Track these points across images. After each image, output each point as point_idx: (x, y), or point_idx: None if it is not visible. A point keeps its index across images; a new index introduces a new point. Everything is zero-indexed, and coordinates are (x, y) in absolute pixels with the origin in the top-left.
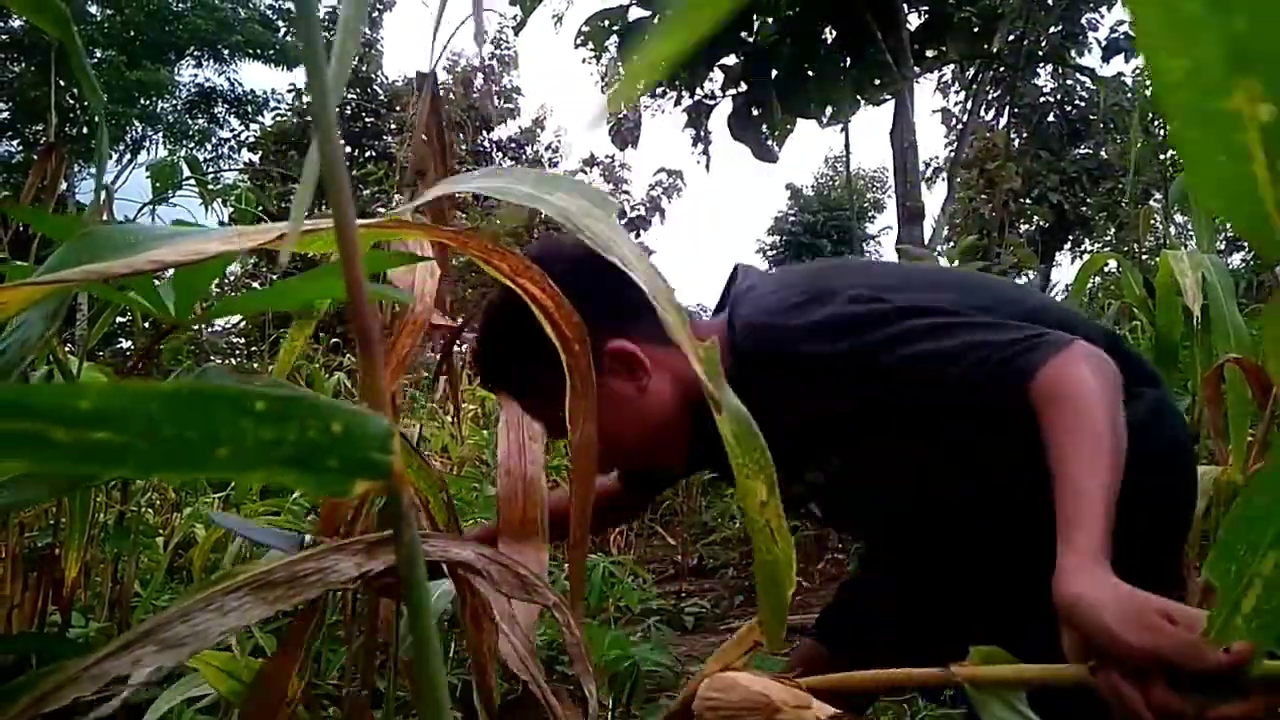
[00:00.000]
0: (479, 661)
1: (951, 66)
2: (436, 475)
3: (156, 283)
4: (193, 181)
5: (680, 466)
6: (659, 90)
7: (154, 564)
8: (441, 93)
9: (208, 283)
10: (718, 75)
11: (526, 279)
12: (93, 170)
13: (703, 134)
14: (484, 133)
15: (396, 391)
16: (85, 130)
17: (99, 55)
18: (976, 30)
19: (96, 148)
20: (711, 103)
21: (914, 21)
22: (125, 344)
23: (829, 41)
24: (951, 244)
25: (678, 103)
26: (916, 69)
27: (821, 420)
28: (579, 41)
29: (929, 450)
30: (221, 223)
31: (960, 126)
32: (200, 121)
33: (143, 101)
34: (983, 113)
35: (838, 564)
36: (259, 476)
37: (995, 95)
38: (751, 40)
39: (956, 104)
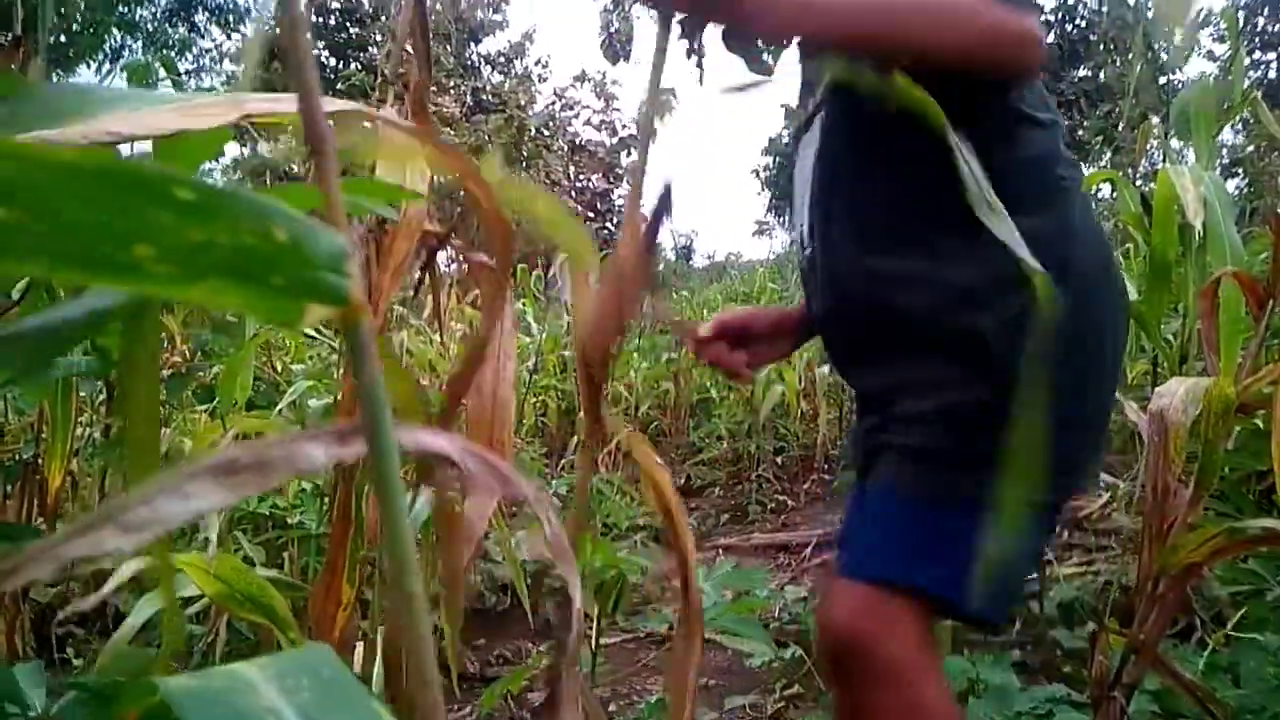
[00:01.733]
0: (450, 570)
1: None
2: (412, 380)
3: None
4: (170, 84)
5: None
6: None
7: None
8: (428, 2)
9: (196, 166)
10: None
11: (472, 181)
12: (71, 80)
13: (696, 46)
14: (472, 45)
15: (389, 298)
16: (62, 38)
17: None
18: None
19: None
20: None
21: None
22: None
23: None
24: None
25: None
26: None
27: None
28: None
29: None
30: None
31: None
32: (180, 30)
33: (121, 9)
34: None
35: (823, 484)
36: (191, 291)
37: None
38: None
39: None
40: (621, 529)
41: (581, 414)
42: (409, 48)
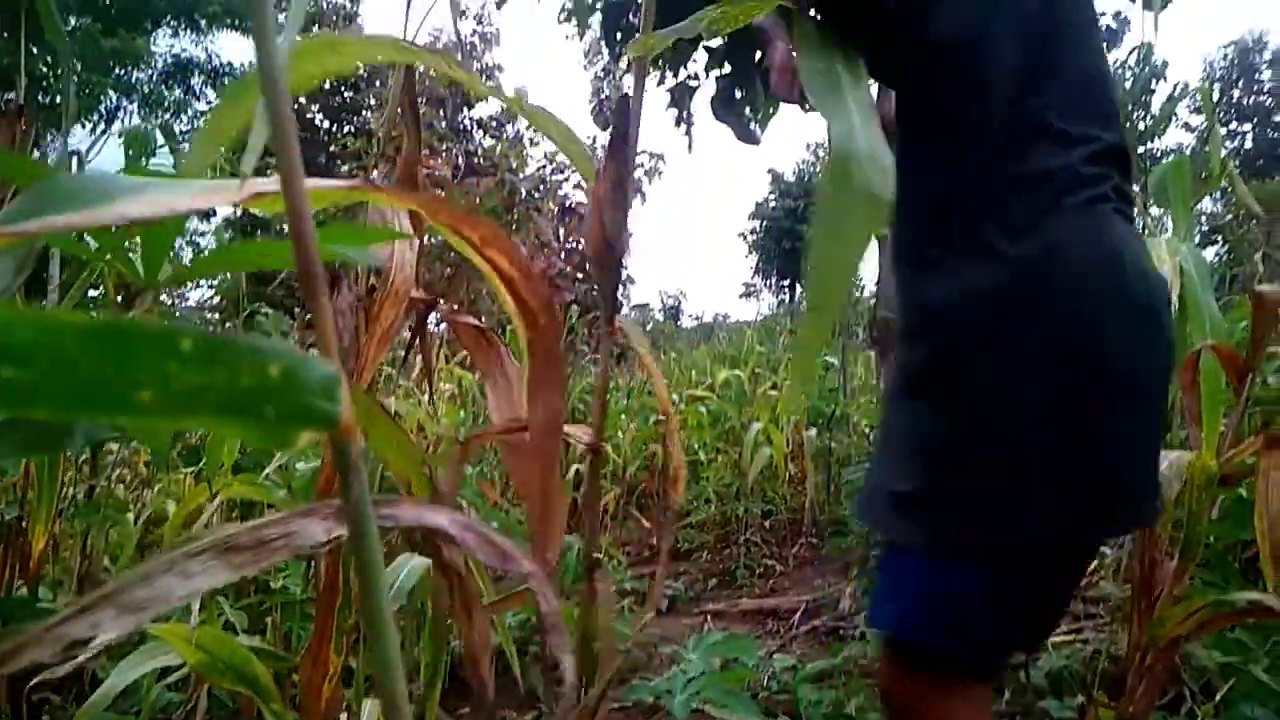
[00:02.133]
0: (471, 653)
1: None
2: (415, 449)
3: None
4: (167, 150)
5: None
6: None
7: (124, 539)
8: (421, 68)
9: (172, 238)
10: (701, 56)
11: (495, 249)
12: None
13: (685, 114)
14: (464, 109)
15: (377, 363)
16: (57, 99)
17: (73, 23)
18: None
19: (62, 102)
20: (695, 84)
21: None
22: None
23: None
24: None
25: (661, 83)
26: None
27: None
28: (562, 17)
29: None
30: None
31: None
32: (176, 92)
33: (118, 71)
34: None
35: (811, 548)
36: (191, 423)
37: None
38: None
39: None
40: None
41: (571, 473)
42: (400, 114)
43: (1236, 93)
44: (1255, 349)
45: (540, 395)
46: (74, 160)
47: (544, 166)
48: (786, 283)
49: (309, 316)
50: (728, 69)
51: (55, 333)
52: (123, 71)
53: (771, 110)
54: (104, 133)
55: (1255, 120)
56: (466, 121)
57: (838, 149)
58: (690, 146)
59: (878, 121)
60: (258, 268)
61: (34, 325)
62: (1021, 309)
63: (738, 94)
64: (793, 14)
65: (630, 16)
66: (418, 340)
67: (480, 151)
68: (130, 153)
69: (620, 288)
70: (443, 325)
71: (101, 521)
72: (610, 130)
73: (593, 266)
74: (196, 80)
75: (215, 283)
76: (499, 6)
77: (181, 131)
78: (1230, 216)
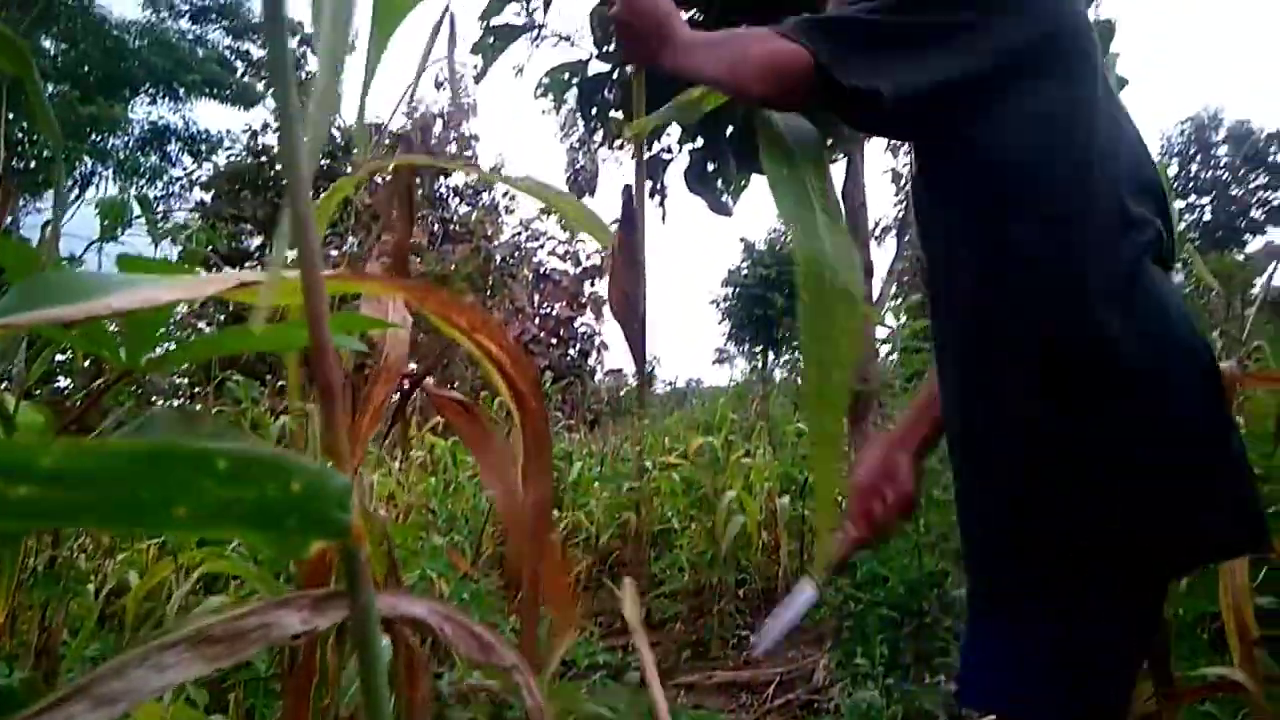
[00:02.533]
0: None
1: None
2: (378, 525)
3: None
4: (142, 219)
5: None
6: (617, 143)
7: (84, 611)
8: (397, 132)
9: (160, 327)
10: (674, 129)
11: (484, 334)
12: (39, 205)
13: (659, 186)
14: (441, 177)
15: (367, 441)
16: (33, 164)
17: (51, 89)
18: None
19: (55, 191)
20: (668, 156)
21: None
22: (63, 382)
23: None
24: (899, 301)
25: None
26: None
27: None
28: (539, 92)
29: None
30: (169, 261)
31: (909, 187)
32: (152, 159)
33: (94, 137)
34: None
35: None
36: (215, 533)
37: None
38: None
39: (905, 165)
40: (581, 667)
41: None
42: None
43: (1194, 167)
44: None
45: (532, 478)
46: (49, 230)
47: (519, 233)
48: (759, 349)
49: (281, 384)
50: (700, 143)
51: (107, 459)
52: (99, 138)
53: (743, 183)
54: (78, 199)
55: (1213, 193)
56: (443, 189)
57: (805, 257)
58: (664, 217)
59: (842, 215)
60: (241, 352)
61: (91, 455)
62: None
63: (710, 167)
64: (755, 115)
65: (605, 93)
66: (400, 413)
67: (456, 218)
68: (105, 221)
69: (595, 353)
70: (415, 393)
71: (62, 594)
72: (622, 209)
73: (622, 328)
74: (173, 147)
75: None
76: (477, 81)
77: (156, 198)
78: (1191, 287)
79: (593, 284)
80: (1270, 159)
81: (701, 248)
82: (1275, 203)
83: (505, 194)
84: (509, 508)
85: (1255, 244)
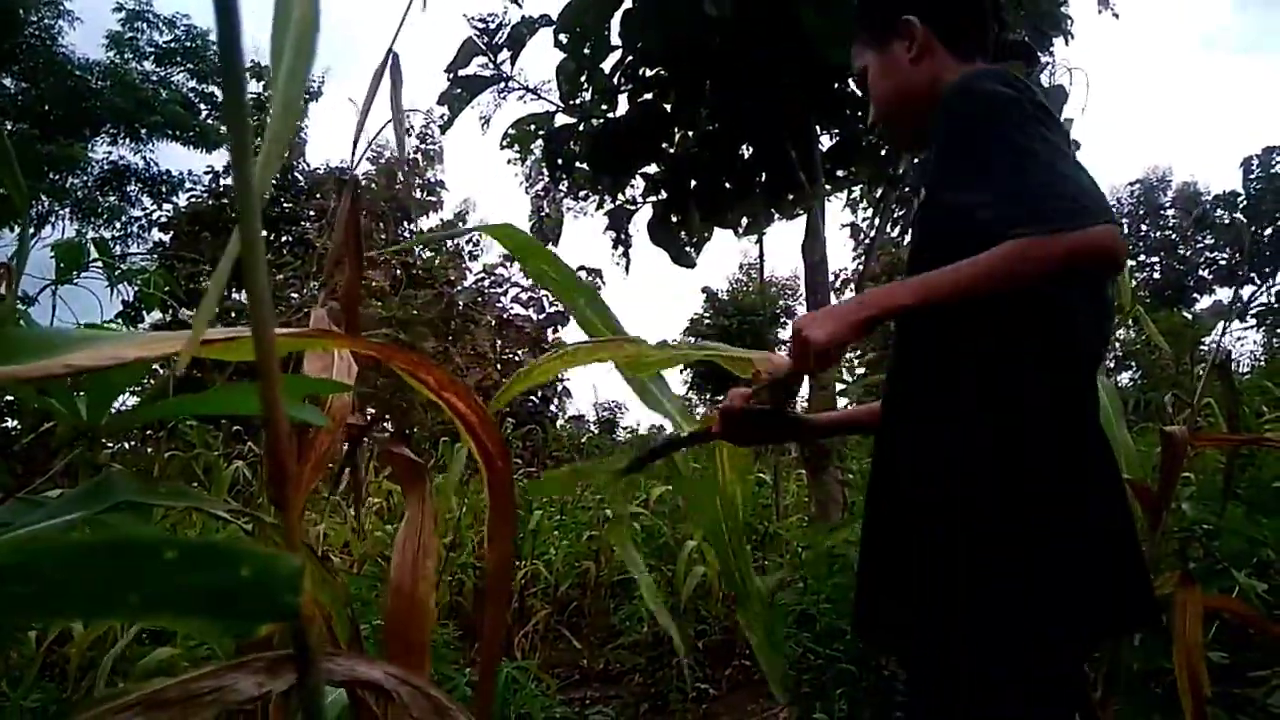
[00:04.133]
0: None
1: (860, 185)
2: (341, 588)
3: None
4: (99, 263)
5: (905, 143)
6: (582, 194)
7: (25, 661)
8: (364, 182)
9: (124, 388)
10: (639, 182)
11: (451, 393)
12: None
13: (623, 237)
14: (405, 223)
15: (310, 491)
16: None
17: (9, 127)
18: (884, 153)
19: (20, 237)
20: (632, 208)
21: (826, 143)
22: (10, 423)
23: (746, 157)
24: (858, 353)
25: (600, 207)
26: (828, 186)
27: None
28: (505, 143)
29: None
30: (126, 303)
31: (868, 241)
32: (111, 199)
33: (52, 176)
34: (889, 229)
35: (745, 670)
36: (165, 620)
37: (901, 213)
38: (672, 151)
39: (865, 220)
40: None
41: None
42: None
43: (1144, 227)
44: (1166, 486)
45: (496, 537)
46: (3, 272)
47: (482, 279)
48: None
49: (235, 428)
50: (664, 195)
51: (61, 555)
52: (57, 177)
53: (706, 235)
54: (34, 237)
55: (1162, 253)
56: (406, 235)
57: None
58: (628, 269)
59: None
60: (202, 413)
61: (46, 551)
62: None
63: (674, 219)
64: None
65: (571, 144)
66: (350, 461)
67: (419, 264)
68: (62, 264)
69: (557, 399)
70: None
71: (2, 642)
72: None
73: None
74: (133, 187)
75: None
76: (443, 131)
77: (114, 238)
78: (1140, 343)
79: (555, 330)
80: (1217, 220)
81: (665, 296)
82: (1221, 262)
83: (469, 240)
84: (400, 573)
85: (1204, 302)
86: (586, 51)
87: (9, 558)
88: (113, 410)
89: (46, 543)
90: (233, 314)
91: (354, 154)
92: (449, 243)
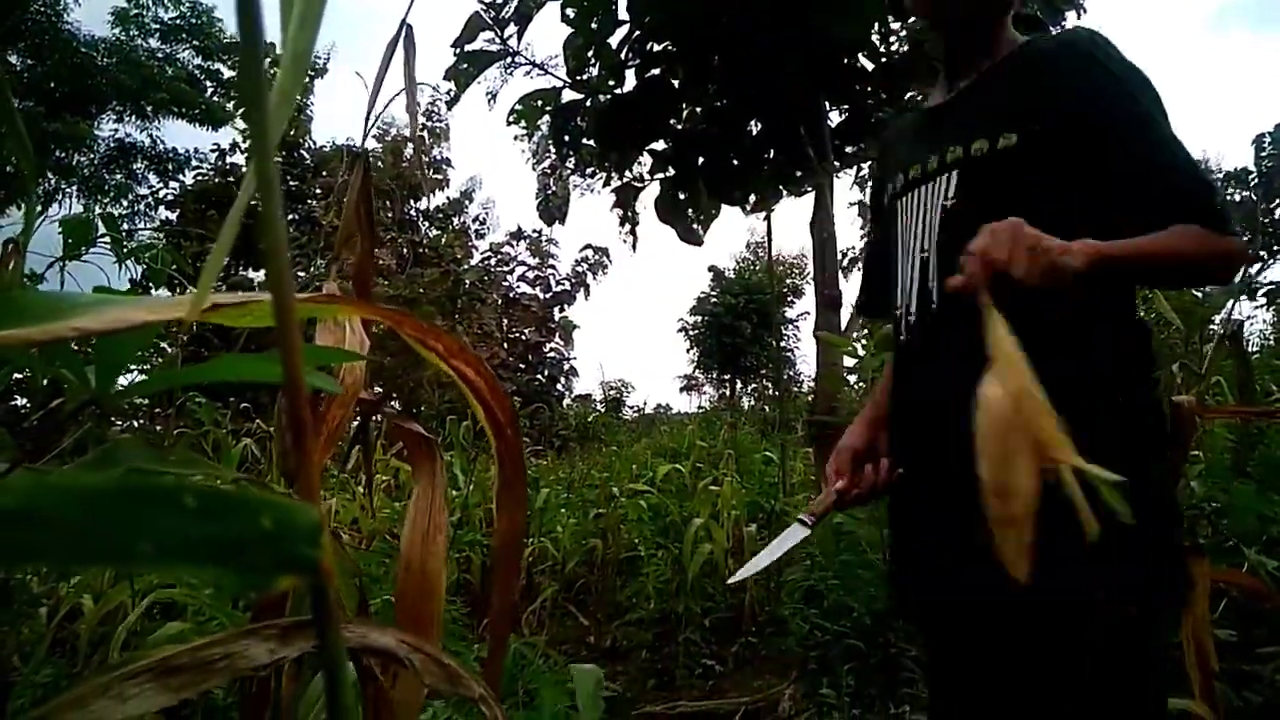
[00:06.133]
0: None
1: (869, 162)
2: (349, 559)
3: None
4: (107, 239)
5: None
6: (589, 171)
7: (35, 636)
8: (371, 159)
9: (132, 354)
10: (646, 159)
11: (460, 360)
12: (0, 222)
13: (630, 215)
14: (411, 202)
15: (321, 465)
16: None
17: (16, 105)
18: None
19: (27, 209)
20: (639, 185)
21: (835, 119)
22: (20, 400)
23: (754, 134)
24: (866, 331)
25: (607, 184)
26: (836, 163)
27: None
28: (511, 119)
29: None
30: (134, 280)
31: None
32: (118, 177)
33: (58, 153)
34: None
35: (751, 648)
36: (182, 571)
37: None
38: (680, 127)
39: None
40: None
41: None
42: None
43: None
44: (1176, 459)
45: (506, 508)
46: (9, 247)
47: (489, 258)
48: (727, 377)
49: (244, 405)
50: (671, 172)
51: (73, 498)
52: (63, 154)
53: (714, 212)
54: (41, 215)
55: None
56: (413, 213)
57: None
58: (635, 246)
59: None
60: (209, 381)
61: (57, 493)
62: None
63: (681, 196)
64: None
65: (578, 121)
66: (360, 438)
67: (426, 242)
68: (69, 240)
69: (563, 378)
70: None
71: (13, 618)
72: None
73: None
74: (139, 165)
75: (147, 370)
76: (450, 107)
77: (120, 216)
78: (1150, 319)
79: (561, 309)
80: (1228, 197)
81: (671, 274)
82: None
83: (476, 218)
84: (410, 550)
85: None
86: (594, 26)
87: (18, 502)
88: (121, 384)
89: (58, 487)
90: (240, 292)
91: (366, 125)
92: (456, 220)
